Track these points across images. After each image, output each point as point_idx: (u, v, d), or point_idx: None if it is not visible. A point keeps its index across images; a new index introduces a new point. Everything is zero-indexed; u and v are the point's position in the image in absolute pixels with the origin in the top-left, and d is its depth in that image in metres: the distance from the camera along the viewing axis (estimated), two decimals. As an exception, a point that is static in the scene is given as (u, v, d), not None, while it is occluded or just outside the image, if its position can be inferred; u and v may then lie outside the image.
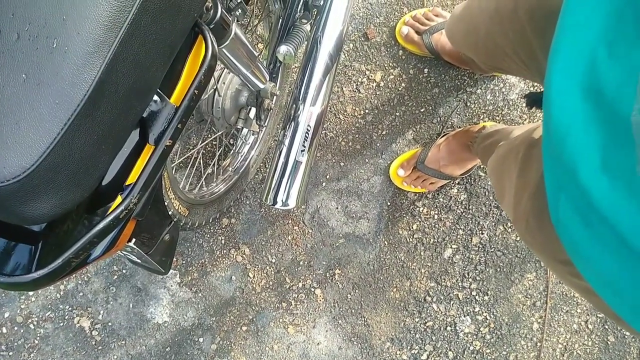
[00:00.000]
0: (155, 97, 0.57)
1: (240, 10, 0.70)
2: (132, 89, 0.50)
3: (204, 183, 1.06)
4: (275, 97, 0.95)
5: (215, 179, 1.10)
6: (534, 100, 0.55)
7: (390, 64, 1.26)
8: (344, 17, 0.96)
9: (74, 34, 0.45)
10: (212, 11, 0.61)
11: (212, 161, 1.07)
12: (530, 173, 0.60)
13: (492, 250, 1.26)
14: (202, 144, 0.99)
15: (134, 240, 0.73)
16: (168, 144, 0.58)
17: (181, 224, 0.91)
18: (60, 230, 0.56)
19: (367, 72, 1.26)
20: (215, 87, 0.91)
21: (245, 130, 1.19)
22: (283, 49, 0.85)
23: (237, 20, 0.71)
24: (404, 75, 1.25)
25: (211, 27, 0.62)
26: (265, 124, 1.08)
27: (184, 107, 0.58)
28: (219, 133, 0.98)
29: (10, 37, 0.44)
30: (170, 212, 0.85)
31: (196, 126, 1.19)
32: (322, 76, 0.99)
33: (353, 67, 1.27)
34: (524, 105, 0.54)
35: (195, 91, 0.58)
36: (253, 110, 1.02)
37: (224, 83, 0.92)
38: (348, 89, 1.27)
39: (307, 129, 0.97)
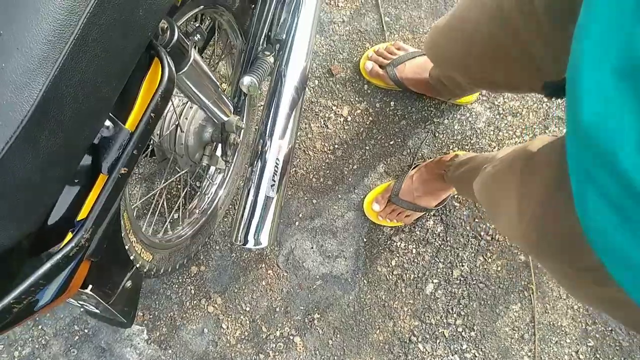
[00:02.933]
0: (108, 123, 0.52)
1: (198, 35, 0.67)
2: (80, 110, 0.46)
3: (168, 226, 0.99)
4: (240, 130, 0.92)
5: (181, 222, 1.04)
6: (555, 90, 0.52)
7: (357, 99, 1.25)
8: (308, 50, 0.95)
9: (12, 49, 0.41)
10: (167, 33, 0.58)
11: (176, 203, 1.02)
12: (534, 183, 0.58)
13: (474, 282, 1.22)
14: (165, 184, 0.94)
15: (90, 287, 0.67)
16: (123, 172, 0.53)
17: (145, 270, 0.84)
18: (2, 272, 0.49)
19: (334, 108, 1.25)
20: (177, 123, 0.88)
21: (212, 169, 1.14)
22: (247, 79, 0.83)
23: (196, 47, 0.68)
24: (370, 109, 1.25)
25: (168, 50, 0.59)
26: (232, 160, 1.04)
27: (139, 131, 0.53)
28: (183, 172, 0.94)
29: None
30: (131, 257, 0.78)
31: (158, 166, 1.14)
32: (289, 109, 0.96)
33: (319, 103, 1.25)
34: (544, 96, 0.52)
35: (152, 115, 0.54)
36: (219, 147, 0.98)
37: (186, 118, 0.89)
38: (316, 124, 1.25)
39: (276, 163, 0.94)
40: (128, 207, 0.76)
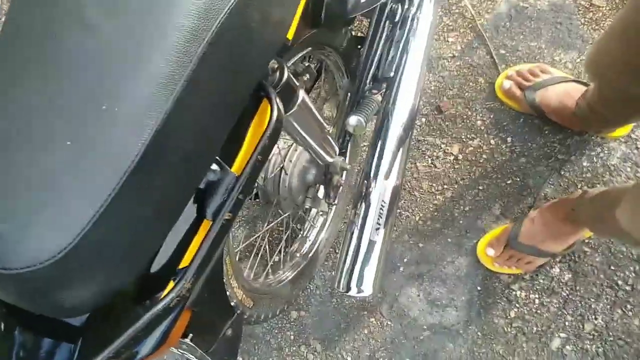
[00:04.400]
0: (214, 166, 0.50)
1: (307, 75, 0.65)
2: (189, 154, 0.44)
3: (270, 271, 0.97)
4: (344, 172, 0.88)
5: (282, 266, 1.01)
6: None
7: (468, 136, 1.16)
8: (417, 88, 0.89)
9: (124, 93, 0.40)
10: (277, 73, 0.56)
11: (278, 247, 0.99)
12: None
13: (612, 338, 1.04)
14: (268, 227, 0.91)
15: (190, 335, 0.64)
16: (227, 217, 0.50)
17: (245, 316, 0.81)
18: (103, 324, 0.47)
19: (443, 146, 1.17)
20: (281, 166, 0.85)
21: (313, 212, 1.11)
22: (353, 119, 0.79)
23: (304, 86, 0.65)
24: (484, 146, 1.15)
25: (277, 91, 0.56)
26: (335, 202, 0.99)
27: (245, 175, 0.50)
28: (286, 215, 0.91)
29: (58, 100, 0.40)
30: (233, 303, 0.76)
31: (261, 209, 1.13)
32: (396, 149, 0.91)
33: (427, 142, 1.18)
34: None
35: (259, 157, 0.51)
36: (322, 190, 0.95)
37: (290, 161, 0.86)
38: (422, 164, 1.18)
39: (382, 205, 0.88)
40: (231, 252, 0.74)
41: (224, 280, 0.72)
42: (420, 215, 1.16)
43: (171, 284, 0.48)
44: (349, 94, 0.90)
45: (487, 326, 1.10)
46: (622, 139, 1.10)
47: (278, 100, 0.53)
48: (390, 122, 0.88)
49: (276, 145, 0.86)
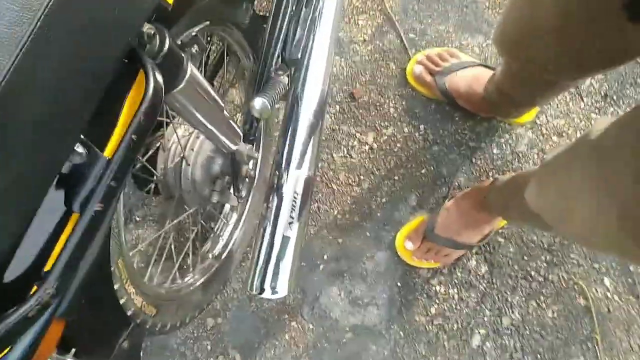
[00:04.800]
0: (81, 149, 0.42)
1: (196, 47, 0.57)
2: (38, 129, 0.36)
3: (177, 274, 0.88)
4: (253, 161, 0.82)
5: (191, 269, 0.92)
6: None
7: (382, 124, 1.14)
8: (326, 71, 0.85)
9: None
10: (156, 41, 0.48)
11: (185, 247, 0.90)
12: (617, 161, 0.50)
13: (528, 332, 1.05)
14: (170, 224, 0.83)
15: (73, 350, 0.55)
16: (99, 208, 0.42)
17: (147, 326, 0.72)
18: None
19: (358, 135, 1.14)
20: (182, 155, 0.77)
21: (226, 209, 1.03)
22: (258, 101, 0.72)
23: (194, 60, 0.58)
24: (398, 135, 1.13)
25: (157, 62, 0.49)
26: (246, 196, 0.93)
27: (118, 157, 0.43)
28: (191, 210, 0.82)
29: None
30: (130, 312, 0.67)
31: (163, 205, 1.04)
32: (307, 136, 0.86)
33: (342, 131, 1.15)
34: (626, 17, 0.44)
35: (133, 137, 0.44)
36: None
37: (192, 149, 0.79)
38: (338, 154, 1.14)
39: (294, 197, 0.82)
40: (124, 254, 0.65)
41: (116, 286, 0.63)
42: (339, 208, 1.12)
43: (34, 290, 0.40)
44: (254, 75, 0.84)
45: (409, 325, 1.07)
46: (528, 125, 1.13)
47: (156, 70, 0.45)
48: (300, 108, 0.83)
49: (175, 133, 0.78)
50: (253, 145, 0.83)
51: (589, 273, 1.07)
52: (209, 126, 0.63)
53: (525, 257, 1.07)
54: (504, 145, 1.12)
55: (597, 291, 1.06)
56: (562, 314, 1.05)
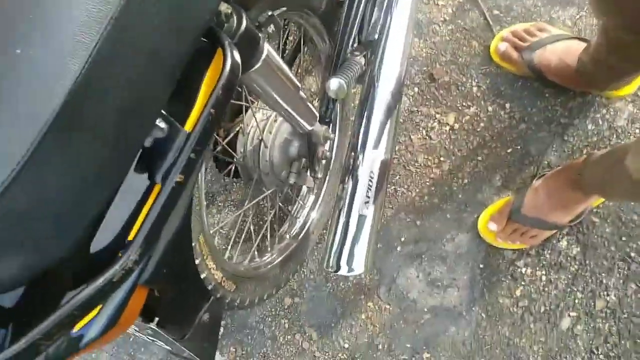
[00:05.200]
0: (162, 124, 0.43)
1: (273, 27, 0.58)
2: (122, 106, 0.37)
3: (256, 253, 0.90)
4: (329, 142, 0.81)
5: (269, 248, 0.94)
6: None
7: (464, 104, 1.09)
8: (403, 51, 0.83)
9: (42, 35, 0.33)
10: (233, 21, 0.49)
11: (264, 227, 0.93)
12: None
13: (625, 316, 0.97)
14: (249, 205, 0.85)
15: (156, 320, 0.58)
16: (179, 180, 0.44)
17: (227, 301, 0.75)
18: (38, 306, 0.41)
19: (438, 116, 1.10)
20: (260, 138, 0.79)
21: (303, 191, 1.04)
22: (334, 82, 0.72)
23: (269, 39, 0.59)
24: (482, 114, 1.08)
25: (234, 42, 0.50)
26: (323, 178, 0.93)
27: (197, 131, 0.44)
28: (269, 192, 0.84)
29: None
30: (210, 287, 0.69)
31: (244, 188, 1.07)
32: (384, 117, 0.84)
33: (420, 112, 1.11)
34: None
35: (212, 110, 0.45)
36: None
37: (270, 132, 0.80)
38: (417, 136, 1.11)
39: (370, 177, 0.81)
40: (206, 232, 0.68)
41: (197, 260, 0.65)
42: (417, 190, 1.09)
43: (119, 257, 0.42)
44: (330, 58, 0.83)
45: (492, 307, 1.03)
46: (629, 98, 1.03)
47: (234, 48, 0.46)
48: (377, 89, 0.82)
49: (254, 117, 0.80)
50: (329, 127, 0.82)
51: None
52: (286, 106, 0.63)
53: (624, 238, 0.98)
54: (600, 121, 1.03)
55: None
56: (666, 300, 0.96)
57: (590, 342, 0.98)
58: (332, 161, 1.00)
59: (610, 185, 0.83)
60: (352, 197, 0.80)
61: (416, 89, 1.13)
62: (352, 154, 0.82)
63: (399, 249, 1.09)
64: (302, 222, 1.02)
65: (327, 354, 1.09)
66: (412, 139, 1.11)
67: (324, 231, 1.12)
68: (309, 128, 0.71)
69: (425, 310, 1.06)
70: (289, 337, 1.12)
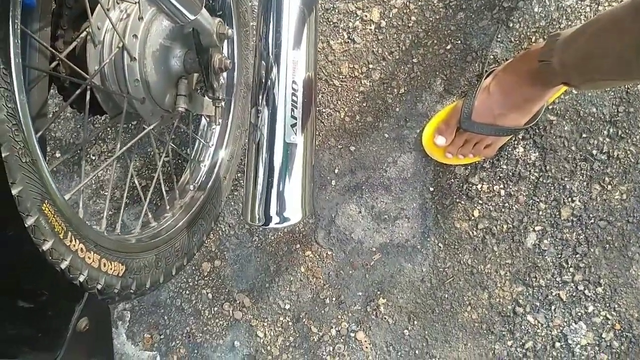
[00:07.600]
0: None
1: None
2: None
3: (150, 216, 0.66)
4: (227, 40, 0.57)
5: (168, 207, 0.71)
6: None
7: (389, -7, 0.88)
8: None
9: None
10: None
11: (154, 179, 0.68)
12: None
13: (592, 221, 0.87)
14: (121, 151, 0.58)
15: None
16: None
17: (114, 291, 0.52)
18: None
19: (359, 12, 0.89)
20: (121, 44, 0.53)
21: (203, 123, 0.80)
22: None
23: None
24: (411, 5, 0.88)
25: None
26: (225, 98, 0.70)
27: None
28: (150, 128, 0.59)
29: None
30: (81, 278, 0.46)
31: (111, 123, 0.80)
32: (299, 13, 0.62)
33: (337, 10, 0.89)
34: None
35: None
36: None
37: (135, 36, 0.54)
38: (336, 41, 0.89)
39: (294, 89, 0.60)
40: (55, 198, 0.44)
41: (46, 245, 0.41)
42: (345, 109, 0.89)
43: None
44: None
45: (449, 234, 0.88)
46: (579, -31, 0.88)
47: None
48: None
49: (106, 16, 0.53)
50: (225, 23, 0.58)
51: (661, 146, 0.87)
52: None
53: (584, 134, 0.86)
54: (546, 1, 0.87)
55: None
56: (633, 194, 0.86)
57: (559, 255, 0.87)
58: (235, 75, 0.76)
59: (591, 62, 0.67)
60: (272, 121, 0.59)
61: (329, -17, 0.90)
62: (262, 62, 0.60)
63: (333, 183, 0.90)
64: (208, 167, 0.79)
65: (265, 320, 0.90)
66: (331, 45, 0.89)
67: (240, 174, 0.89)
68: (192, 17, 0.46)
69: (374, 250, 0.89)
70: (215, 309, 0.91)
